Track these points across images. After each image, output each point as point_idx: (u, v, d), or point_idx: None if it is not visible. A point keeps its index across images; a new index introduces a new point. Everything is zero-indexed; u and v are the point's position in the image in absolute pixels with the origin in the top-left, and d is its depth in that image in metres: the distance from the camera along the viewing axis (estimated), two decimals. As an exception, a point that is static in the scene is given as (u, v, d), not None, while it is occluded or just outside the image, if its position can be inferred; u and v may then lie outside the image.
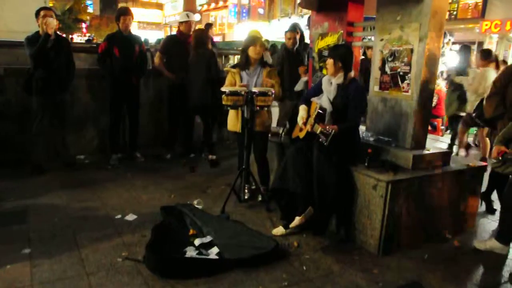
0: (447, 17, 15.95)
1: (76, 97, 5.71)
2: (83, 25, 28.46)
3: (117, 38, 5.43)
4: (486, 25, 14.76)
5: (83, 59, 6.17)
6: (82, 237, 3.51)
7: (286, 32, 5.90)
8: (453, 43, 11.44)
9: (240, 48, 4.44)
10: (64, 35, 6.80)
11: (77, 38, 27.92)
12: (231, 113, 4.44)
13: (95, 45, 7.36)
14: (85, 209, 4.13)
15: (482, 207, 4.57)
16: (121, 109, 5.65)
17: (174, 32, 5.93)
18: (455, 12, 16.30)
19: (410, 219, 3.61)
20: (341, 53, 3.71)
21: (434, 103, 7.10)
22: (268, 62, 5.15)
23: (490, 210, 4.56)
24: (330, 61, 3.72)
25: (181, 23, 5.93)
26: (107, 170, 5.39)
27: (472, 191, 4.08)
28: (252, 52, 4.25)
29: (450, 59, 9.46)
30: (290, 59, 5.80)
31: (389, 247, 3.52)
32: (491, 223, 4.29)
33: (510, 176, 3.64)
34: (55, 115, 5.10)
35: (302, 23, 7.81)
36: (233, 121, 4.43)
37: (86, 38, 25.36)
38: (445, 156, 3.98)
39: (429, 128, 7.75)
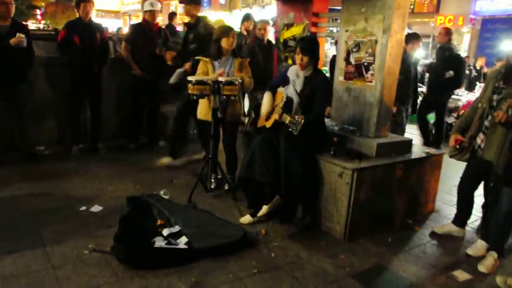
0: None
1: (35, 86, 5.50)
2: (38, 12, 27.31)
3: (77, 26, 5.26)
4: (441, 19, 15.30)
5: (42, 46, 5.93)
6: (46, 231, 3.41)
7: (257, 22, 5.91)
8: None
9: (213, 38, 4.40)
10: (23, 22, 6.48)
11: (32, 25, 26.82)
12: (202, 102, 4.41)
13: (53, 33, 7.09)
14: (48, 202, 4.01)
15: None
16: (82, 98, 5.50)
17: (133, 21, 5.77)
18: (412, 6, 16.78)
19: (374, 205, 3.73)
20: (310, 47, 3.75)
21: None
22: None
23: None
24: (298, 56, 3.76)
25: (145, 12, 5.82)
26: (69, 161, 5.25)
27: (432, 178, 4.25)
28: (225, 43, 4.24)
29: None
30: (261, 50, 5.80)
31: (354, 233, 3.63)
32: (450, 208, 4.47)
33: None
34: (13, 105, 4.90)
35: (264, 14, 7.85)
36: (205, 110, 4.40)
37: (42, 25, 24.38)
38: (407, 144, 4.12)
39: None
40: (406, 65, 5.41)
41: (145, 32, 5.69)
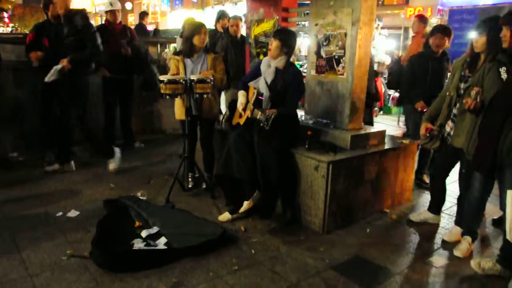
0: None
1: (5, 91, 5.37)
2: (5, 14, 26.59)
3: (46, 28, 5.15)
4: (410, 11, 15.54)
5: (10, 50, 5.79)
6: (22, 238, 3.35)
7: (229, 19, 5.91)
8: (382, 27, 11.94)
9: (182, 36, 4.36)
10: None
11: (0, 29, 26.13)
12: (178, 102, 4.39)
13: (21, 36, 6.92)
14: (23, 209, 3.94)
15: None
16: (52, 102, 5.38)
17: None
18: (380, -1, 16.98)
19: (351, 197, 3.78)
20: (288, 39, 3.79)
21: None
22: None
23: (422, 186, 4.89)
24: (275, 43, 3.76)
25: (106, 12, 5.75)
26: (43, 166, 5.15)
27: (407, 167, 4.33)
28: (197, 40, 4.21)
29: (379, 43, 9.86)
30: (234, 46, 5.80)
31: (333, 225, 3.67)
32: (426, 196, 4.55)
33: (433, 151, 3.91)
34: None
35: (236, 10, 7.85)
36: (180, 110, 4.37)
37: (10, 28, 23.77)
38: (380, 135, 4.18)
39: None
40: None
41: (108, 33, 5.60)
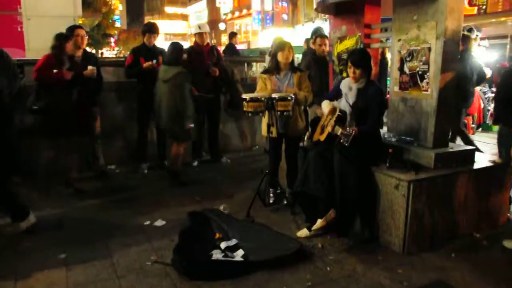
0: (475, 12, 15.44)
1: (106, 109, 5.92)
2: (112, 39, 29.25)
3: (142, 50, 5.64)
4: (519, 17, 14.36)
5: (111, 72, 6.39)
6: (114, 243, 3.68)
7: (316, 37, 5.91)
8: (482, 38, 11.23)
9: (270, 54, 4.53)
10: (91, 51, 7.05)
11: (107, 53, 28.75)
12: (264, 119, 4.45)
13: (122, 58, 7.61)
14: (117, 216, 4.30)
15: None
16: (148, 120, 5.83)
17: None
18: (484, 7, 15.92)
19: (435, 218, 3.61)
20: (360, 60, 3.76)
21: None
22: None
23: None
24: (351, 69, 3.77)
25: (194, 35, 6.11)
26: (136, 178, 5.57)
27: (500, 188, 4.03)
28: (280, 57, 4.32)
29: (478, 55, 9.28)
30: (318, 64, 5.81)
31: (414, 246, 3.53)
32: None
33: None
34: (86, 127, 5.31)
35: (326, 27, 7.79)
36: (266, 127, 4.43)
37: (115, 52, 26.10)
38: (469, 153, 3.95)
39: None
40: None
41: (196, 54, 5.93)
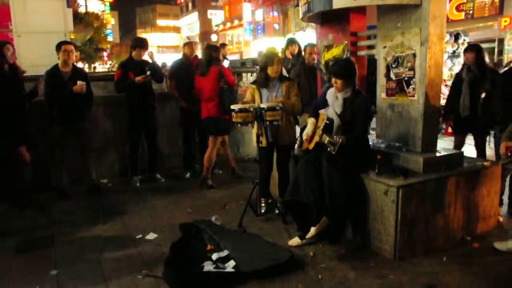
0: (463, 17, 15.63)
1: (97, 123, 5.92)
2: (104, 53, 29.33)
3: (130, 64, 5.65)
4: (505, 21, 14.53)
5: (102, 86, 6.40)
6: (105, 257, 3.66)
7: (305, 46, 5.99)
8: (468, 43, 11.35)
9: (259, 67, 4.55)
10: (84, 65, 7.09)
11: (99, 67, 28.80)
12: (255, 129, 4.47)
13: (112, 73, 7.62)
14: (108, 230, 4.29)
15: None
16: (139, 133, 5.83)
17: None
18: (471, 12, 16.13)
19: (425, 222, 3.61)
20: (339, 70, 3.76)
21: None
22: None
23: None
24: (340, 82, 3.76)
25: (183, 46, 6.14)
26: (128, 192, 5.55)
27: (490, 191, 4.05)
28: (270, 71, 4.33)
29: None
30: (307, 73, 5.86)
31: (405, 252, 3.53)
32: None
33: None
34: (76, 142, 5.31)
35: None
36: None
37: (107, 66, 26.18)
38: (457, 157, 3.98)
39: (450, 130, 7.66)
40: None
41: (184, 67, 5.97)
